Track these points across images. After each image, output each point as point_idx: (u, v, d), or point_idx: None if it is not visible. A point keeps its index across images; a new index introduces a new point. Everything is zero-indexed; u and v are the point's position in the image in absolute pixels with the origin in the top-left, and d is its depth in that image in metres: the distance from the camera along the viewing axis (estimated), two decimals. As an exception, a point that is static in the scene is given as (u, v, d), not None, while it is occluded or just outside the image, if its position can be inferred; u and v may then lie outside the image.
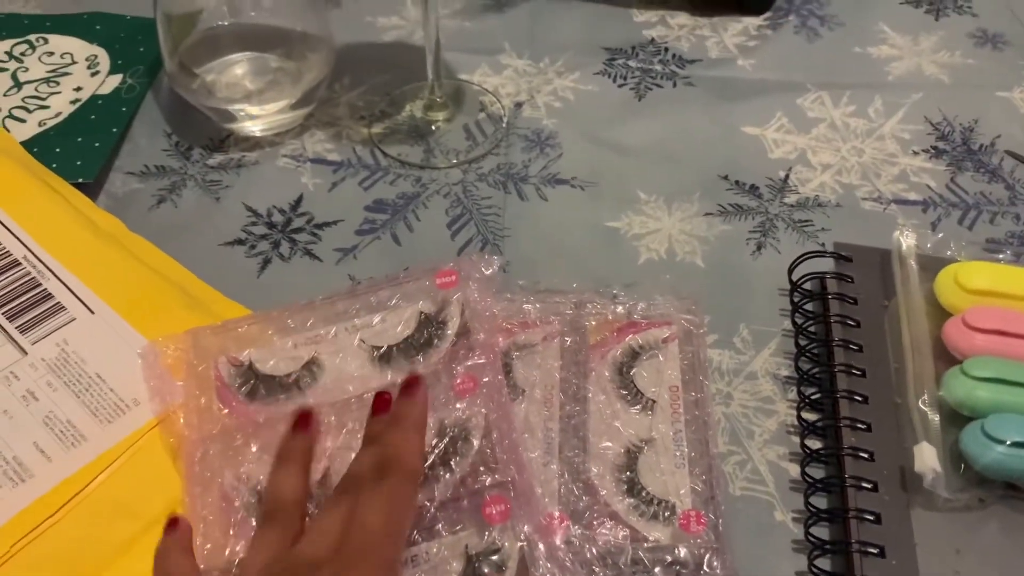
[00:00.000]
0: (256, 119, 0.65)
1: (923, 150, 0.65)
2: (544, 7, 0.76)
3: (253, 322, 0.52)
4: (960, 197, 0.61)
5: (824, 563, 0.44)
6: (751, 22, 0.75)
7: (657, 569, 0.43)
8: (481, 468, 0.45)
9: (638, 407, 0.49)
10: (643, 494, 0.46)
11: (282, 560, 0.38)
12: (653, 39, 0.73)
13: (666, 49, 0.73)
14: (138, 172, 0.64)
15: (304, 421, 0.43)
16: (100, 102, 0.67)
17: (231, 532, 0.44)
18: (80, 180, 0.61)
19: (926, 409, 0.46)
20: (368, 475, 0.40)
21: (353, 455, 0.43)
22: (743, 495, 0.48)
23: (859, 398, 0.48)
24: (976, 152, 0.64)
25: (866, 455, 0.46)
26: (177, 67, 0.64)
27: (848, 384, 0.49)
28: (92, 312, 0.53)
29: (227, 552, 0.43)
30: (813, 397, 0.50)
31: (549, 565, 0.42)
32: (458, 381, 0.48)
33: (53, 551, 0.44)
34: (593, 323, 0.52)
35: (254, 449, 0.46)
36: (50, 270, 0.55)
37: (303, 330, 0.51)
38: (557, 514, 0.45)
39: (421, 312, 0.51)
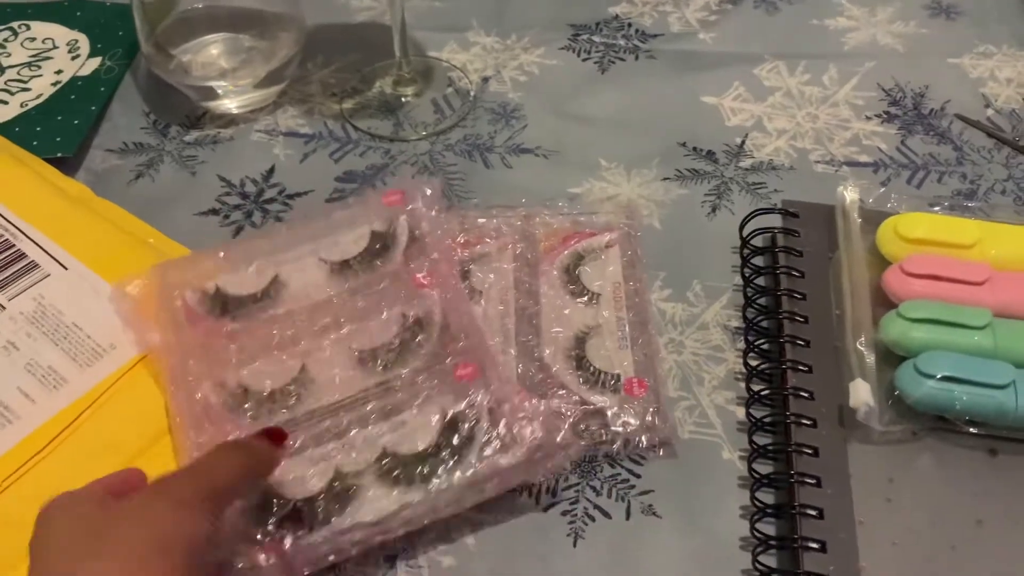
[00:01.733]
0: (231, 96, 0.67)
1: (875, 115, 0.67)
2: (512, -13, 0.79)
3: (215, 252, 0.55)
4: (909, 159, 0.64)
5: (766, 496, 0.46)
6: (712, -2, 0.77)
7: (604, 429, 0.48)
8: (447, 341, 0.50)
9: (584, 299, 0.54)
10: (591, 369, 0.51)
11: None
12: (617, 15, 0.76)
13: (629, 24, 0.75)
14: (117, 149, 0.66)
15: (273, 435, 0.44)
16: (80, 83, 0.69)
17: (221, 425, 0.48)
18: (60, 155, 0.63)
19: (863, 349, 0.48)
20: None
21: (327, 349, 0.50)
22: (691, 438, 0.50)
23: (801, 342, 0.50)
24: (926, 116, 0.67)
25: (807, 394, 0.48)
26: (153, 49, 0.66)
27: (792, 330, 0.51)
28: (65, 268, 0.56)
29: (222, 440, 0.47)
30: (760, 345, 0.52)
31: (519, 416, 0.47)
32: (416, 277, 0.53)
33: (41, 487, 0.46)
34: (541, 232, 0.58)
35: (230, 353, 0.50)
36: (23, 232, 0.57)
37: (264, 255, 0.55)
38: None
39: (372, 229, 0.56)
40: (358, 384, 0.49)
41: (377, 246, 0.55)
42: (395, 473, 0.45)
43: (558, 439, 0.46)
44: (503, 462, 0.45)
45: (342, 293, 0.53)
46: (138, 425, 0.49)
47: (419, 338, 0.51)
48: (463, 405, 0.47)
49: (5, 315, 0.53)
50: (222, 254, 0.55)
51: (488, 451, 0.46)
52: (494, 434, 0.46)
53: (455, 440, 0.46)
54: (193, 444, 0.47)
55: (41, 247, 0.57)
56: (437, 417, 0.47)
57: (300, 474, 0.45)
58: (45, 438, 0.49)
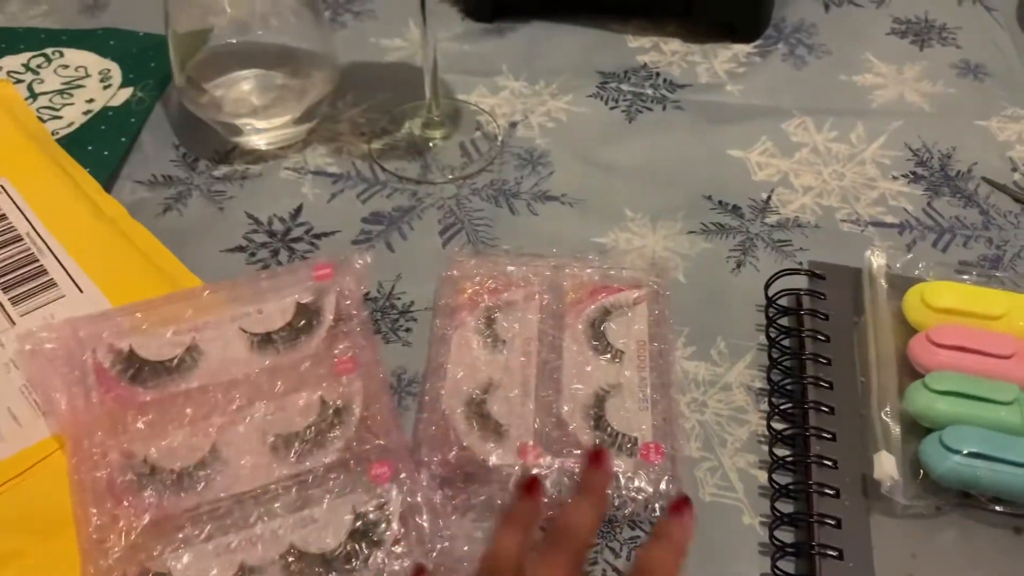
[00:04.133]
0: (261, 133, 0.68)
1: (902, 175, 0.67)
2: (542, 32, 0.79)
3: (132, 311, 0.54)
4: (936, 221, 0.64)
5: (787, 565, 0.46)
6: (741, 49, 0.77)
7: (617, 494, 0.48)
8: (365, 435, 0.50)
9: (607, 356, 0.54)
10: (608, 429, 0.51)
11: None
12: (646, 64, 0.76)
13: (657, 74, 0.75)
14: (146, 181, 0.66)
15: (531, 488, 0.41)
16: (111, 113, 0.70)
17: (124, 503, 0.47)
18: (89, 187, 0.64)
19: (888, 420, 0.48)
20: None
21: (240, 429, 0.50)
22: (713, 501, 0.50)
23: (826, 409, 0.50)
24: (953, 178, 0.67)
25: (830, 463, 0.48)
26: (186, 82, 0.67)
27: (816, 395, 0.51)
28: (81, 291, 0.56)
29: (120, 523, 0.46)
30: (783, 408, 0.52)
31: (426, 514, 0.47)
32: (338, 361, 0.53)
33: (15, 506, 0.47)
34: (569, 283, 0.58)
35: (140, 426, 0.49)
36: (49, 248, 0.58)
37: (183, 319, 0.54)
38: (531, 443, 0.50)
39: (299, 302, 0.56)
40: (269, 473, 0.48)
41: (302, 322, 0.55)
42: (301, 572, 0.45)
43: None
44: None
45: (261, 371, 0.52)
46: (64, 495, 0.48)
47: (336, 431, 0.50)
48: (374, 506, 0.47)
49: (13, 331, 0.54)
50: (139, 314, 0.54)
51: (396, 563, 0.45)
52: (401, 539, 0.46)
53: (364, 542, 0.46)
54: (92, 525, 0.46)
55: (63, 265, 0.58)
56: (349, 517, 0.47)
57: (202, 568, 0.45)
58: (23, 464, 0.49)
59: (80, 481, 0.47)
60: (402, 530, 0.46)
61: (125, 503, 0.47)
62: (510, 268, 0.58)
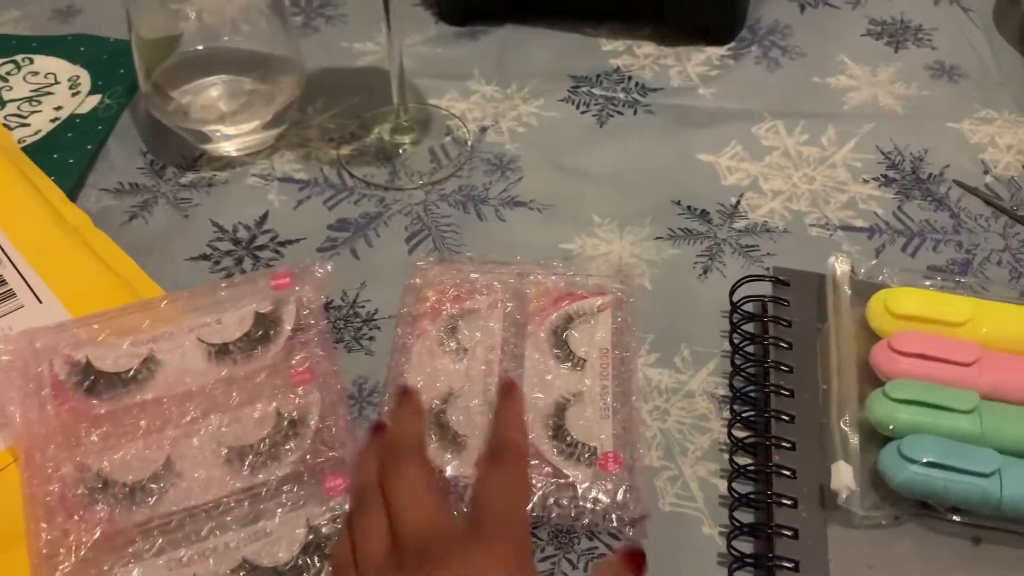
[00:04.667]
0: (229, 139, 0.67)
1: (873, 178, 0.66)
2: (515, 36, 0.79)
3: (90, 322, 0.54)
4: (906, 225, 0.63)
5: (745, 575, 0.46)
6: (714, 52, 0.77)
7: (574, 504, 0.48)
8: (320, 448, 0.49)
9: (569, 364, 0.54)
10: (567, 439, 0.50)
11: (407, 545, 0.38)
12: (618, 67, 0.76)
13: (630, 78, 0.75)
14: (112, 189, 0.66)
15: (511, 387, 0.45)
16: (78, 120, 0.69)
17: (75, 517, 0.46)
18: (54, 196, 0.64)
19: (847, 429, 0.48)
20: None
21: (195, 442, 0.49)
22: (673, 511, 0.49)
23: (786, 418, 0.50)
24: (924, 181, 0.66)
25: (789, 473, 0.47)
26: (152, 89, 0.67)
27: (777, 404, 0.50)
28: (40, 302, 0.56)
29: (71, 538, 0.45)
30: (745, 415, 0.51)
31: None
32: (295, 372, 0.52)
33: None
34: (533, 291, 0.57)
35: (94, 439, 0.49)
36: (8, 258, 0.58)
37: (141, 330, 0.54)
38: None
39: (256, 311, 0.55)
40: (223, 486, 0.48)
41: (259, 332, 0.54)
42: None
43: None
44: None
45: (217, 382, 0.52)
46: (13, 511, 0.48)
47: (291, 443, 0.49)
48: (328, 519, 0.47)
49: None
50: (97, 325, 0.54)
51: None
52: None
53: (318, 556, 0.45)
54: (43, 540, 0.45)
55: (23, 276, 0.57)
56: (302, 530, 0.46)
57: None
58: None
59: (32, 495, 0.47)
60: None
61: (76, 517, 0.46)
62: (474, 276, 0.58)
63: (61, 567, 0.45)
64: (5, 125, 0.69)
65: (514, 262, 0.59)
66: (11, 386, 0.51)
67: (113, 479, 0.48)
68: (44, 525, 0.46)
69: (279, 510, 0.47)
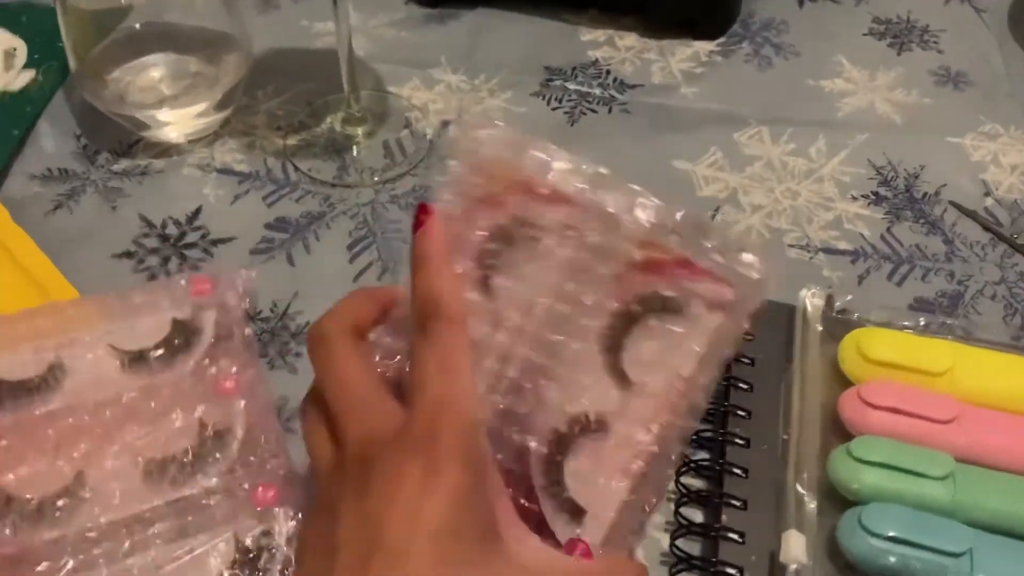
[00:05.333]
0: (170, 125, 0.62)
1: (862, 195, 0.61)
2: (489, 20, 0.73)
3: None
4: (894, 249, 0.58)
5: (679, 651, 0.41)
6: (702, 47, 0.71)
7: None
8: (251, 459, 0.45)
9: (616, 379, 0.36)
10: (563, 495, 0.35)
11: (349, 453, 0.33)
12: (597, 60, 0.70)
13: (608, 72, 0.69)
14: (40, 175, 0.61)
15: (423, 212, 0.36)
16: (7, 100, 0.64)
17: None
18: (-30, 181, 0.59)
19: (803, 491, 0.43)
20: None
21: (110, 454, 0.44)
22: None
23: (739, 472, 0.45)
24: (918, 201, 0.61)
25: (737, 536, 0.43)
26: (86, 69, 0.62)
27: (732, 455, 0.45)
28: None
29: None
30: (700, 462, 0.47)
31: None
32: (218, 382, 0.48)
33: None
34: (634, 233, 0.36)
35: None
36: None
37: (46, 335, 0.49)
38: None
39: (174, 318, 0.51)
40: (142, 501, 0.44)
41: (178, 340, 0.50)
42: None
43: None
44: None
45: (133, 391, 0.47)
46: None
47: (216, 455, 0.45)
48: (259, 532, 0.43)
49: None
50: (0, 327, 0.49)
51: None
52: (291, 565, 0.41)
53: (248, 572, 0.41)
54: None
55: None
56: (230, 545, 0.42)
57: None
58: None
59: None
60: (292, 555, 0.42)
61: None
62: (558, 165, 0.39)
63: None
64: (-69, 100, 0.64)
65: (631, 191, 0.38)
66: None
67: (18, 495, 0.44)
68: None
69: (205, 525, 0.43)
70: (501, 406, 0.35)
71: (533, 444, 0.35)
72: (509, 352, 0.36)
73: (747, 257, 0.35)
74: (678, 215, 0.37)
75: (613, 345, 0.36)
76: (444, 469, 0.30)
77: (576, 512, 0.35)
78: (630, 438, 0.35)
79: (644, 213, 0.37)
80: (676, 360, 0.35)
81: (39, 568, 0.42)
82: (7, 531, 0.43)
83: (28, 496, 0.44)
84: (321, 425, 0.35)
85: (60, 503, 0.43)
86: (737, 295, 0.35)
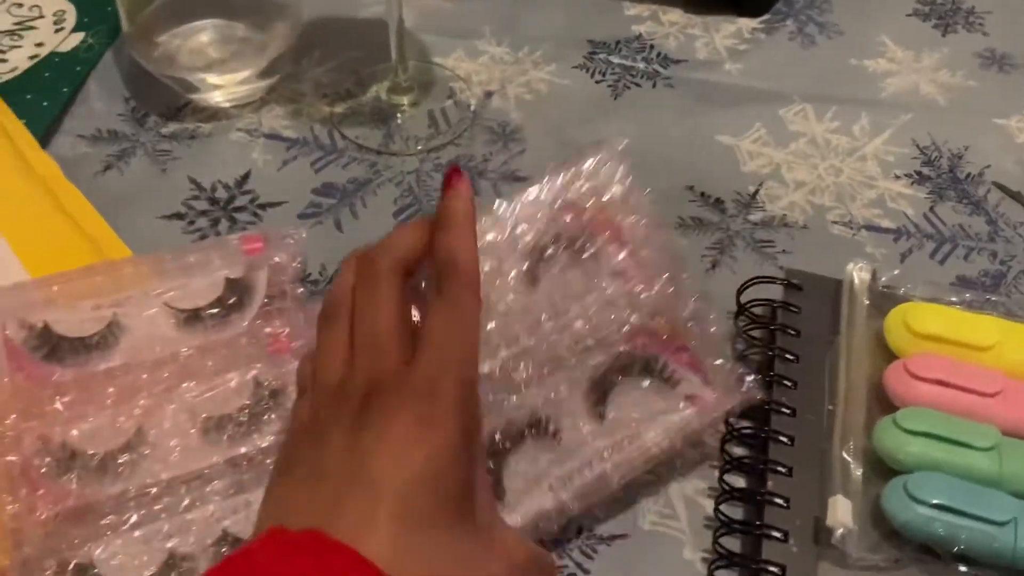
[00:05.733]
0: (217, 89, 0.63)
1: (905, 175, 0.61)
2: (533, -8, 0.73)
3: (48, 284, 0.50)
4: (937, 228, 0.58)
5: (724, 611, 0.42)
6: (746, 24, 0.71)
7: None
8: None
9: (590, 405, 0.45)
10: (498, 484, 0.43)
11: (356, 382, 0.34)
12: (640, 34, 0.70)
13: (652, 46, 0.69)
14: (89, 135, 0.62)
15: (455, 175, 0.38)
16: (57, 60, 0.65)
17: (42, 490, 0.43)
18: (24, 139, 0.60)
19: (849, 459, 0.43)
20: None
21: (169, 411, 0.45)
22: (653, 530, 0.45)
23: (785, 440, 0.45)
24: (961, 181, 0.61)
25: (783, 501, 0.43)
26: (137, 31, 0.62)
27: (777, 423, 0.46)
28: None
29: (38, 512, 0.42)
30: (744, 431, 0.47)
31: None
32: (271, 341, 0.49)
33: None
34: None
35: (58, 407, 0.45)
36: None
37: (104, 293, 0.50)
38: None
39: (228, 277, 0.51)
40: (201, 458, 0.44)
41: (232, 299, 0.50)
42: None
43: None
44: None
45: (189, 349, 0.48)
46: None
47: (272, 414, 0.46)
48: None
49: None
50: (56, 287, 0.49)
51: None
52: None
53: None
54: (7, 514, 0.42)
55: None
56: None
57: (129, 557, 0.41)
58: None
59: None
60: None
61: (42, 490, 0.43)
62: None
63: (28, 542, 0.41)
64: (-21, 61, 0.65)
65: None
66: None
67: (81, 450, 0.44)
68: (8, 498, 0.42)
69: (262, 481, 0.43)
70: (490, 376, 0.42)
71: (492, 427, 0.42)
72: (517, 339, 0.44)
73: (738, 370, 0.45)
74: (692, 301, 0.46)
75: (601, 380, 0.45)
76: (438, 422, 0.32)
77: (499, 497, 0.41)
78: (578, 454, 0.43)
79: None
80: (646, 426, 0.44)
81: (103, 521, 0.42)
82: (72, 485, 0.43)
83: (91, 451, 0.44)
84: (339, 343, 0.36)
85: (122, 458, 0.44)
86: (715, 400, 0.45)
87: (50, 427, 0.45)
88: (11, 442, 0.44)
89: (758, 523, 0.43)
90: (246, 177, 0.60)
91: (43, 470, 0.43)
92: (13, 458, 0.44)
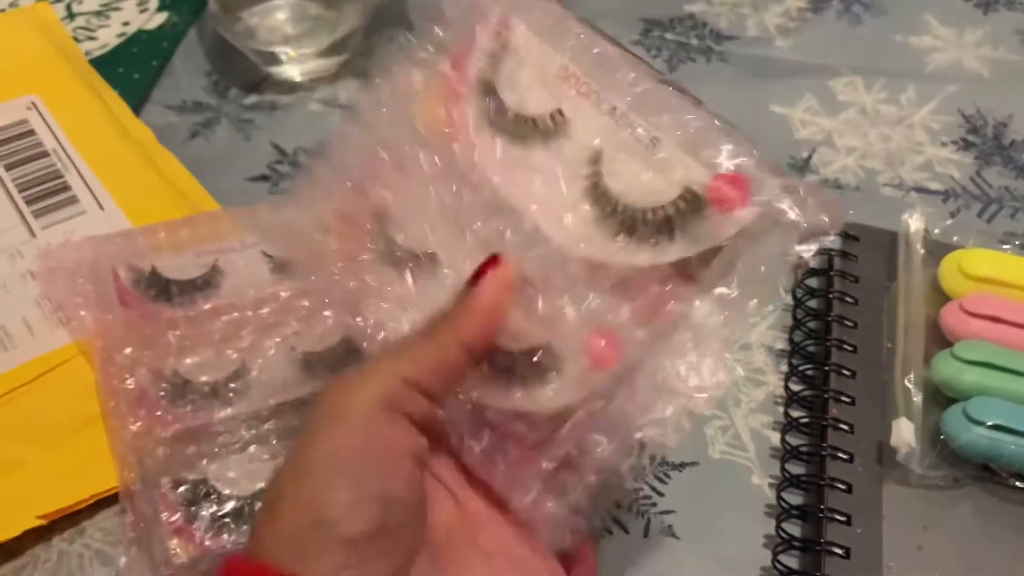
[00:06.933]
0: (293, 63, 0.67)
1: (952, 141, 0.64)
2: (588, -24, 0.77)
3: (154, 231, 0.53)
4: (983, 190, 0.61)
5: (792, 528, 0.44)
6: (793, 3, 0.74)
7: None
8: None
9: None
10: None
11: None
12: (693, 14, 0.74)
13: (704, 24, 0.73)
14: (175, 106, 0.66)
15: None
16: (144, 37, 0.69)
17: (158, 412, 0.46)
18: (118, 108, 0.64)
19: (911, 386, 0.46)
20: None
21: (270, 346, 0.47)
22: (722, 459, 0.48)
23: (847, 373, 0.48)
24: (1006, 148, 0.63)
25: (846, 427, 0.46)
26: (220, 8, 0.66)
27: (839, 358, 0.49)
28: (102, 209, 0.56)
29: (155, 432, 0.45)
30: (803, 370, 0.50)
31: None
32: None
33: (20, 415, 0.48)
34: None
35: (171, 341, 0.48)
36: (74, 165, 0.58)
37: (205, 241, 0.53)
38: None
39: None
40: (302, 388, 0.47)
41: None
42: None
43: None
44: None
45: (287, 291, 0.51)
46: (70, 407, 0.48)
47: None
48: None
49: (34, 243, 0.54)
50: (161, 234, 0.53)
51: None
52: None
53: None
54: (129, 433, 0.45)
55: (87, 183, 0.57)
56: None
57: (241, 472, 0.44)
58: (36, 371, 0.49)
59: (112, 389, 0.47)
60: None
61: (159, 412, 0.46)
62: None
63: (146, 461, 0.45)
64: (73, 38, 0.69)
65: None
66: (77, 291, 0.51)
67: (193, 378, 0.48)
68: (130, 419, 0.46)
69: None
70: None
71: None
72: None
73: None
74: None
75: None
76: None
77: None
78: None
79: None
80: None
81: (217, 440, 0.46)
82: (187, 408, 0.47)
83: (203, 378, 0.48)
84: None
85: (231, 386, 0.48)
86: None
87: (163, 359, 0.48)
88: (128, 370, 0.48)
89: (824, 446, 0.45)
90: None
91: (160, 395, 0.47)
92: (131, 384, 0.47)
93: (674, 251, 0.34)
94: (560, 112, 0.38)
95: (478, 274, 0.33)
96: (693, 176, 0.35)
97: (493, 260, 0.34)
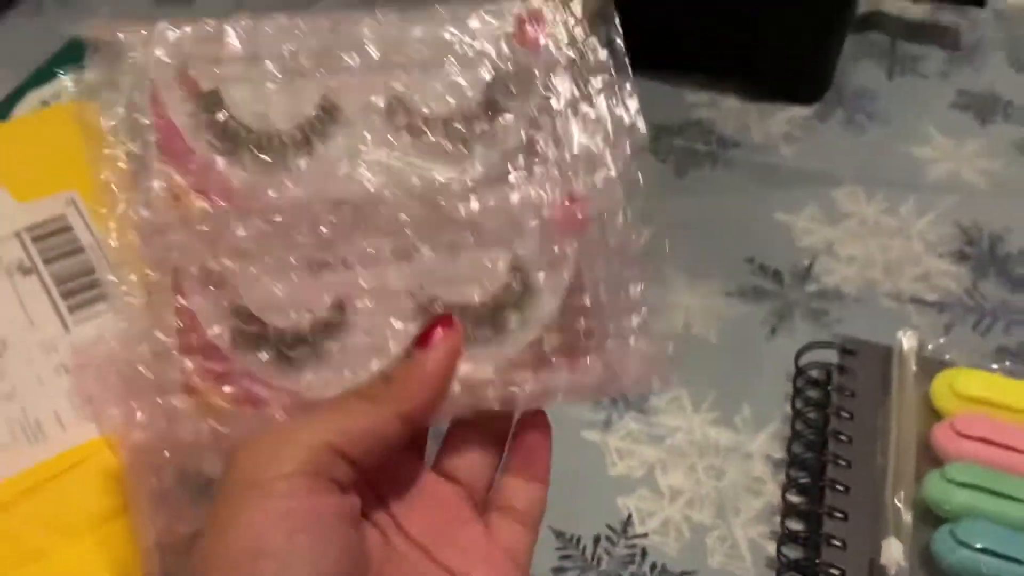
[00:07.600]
0: None
1: (948, 253, 0.66)
2: (602, 80, 0.80)
3: (222, 30, 0.33)
4: (977, 303, 0.63)
5: (787, 643, 0.46)
6: (799, 111, 0.77)
7: None
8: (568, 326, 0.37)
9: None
10: None
11: None
12: (701, 120, 0.77)
13: (711, 131, 0.76)
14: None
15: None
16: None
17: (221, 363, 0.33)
18: None
19: (900, 506, 0.48)
20: None
21: (375, 272, 0.34)
22: (721, 569, 0.50)
23: (841, 488, 0.50)
24: (1001, 260, 0.66)
25: (839, 543, 0.48)
26: None
27: (834, 473, 0.51)
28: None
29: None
30: (802, 482, 0.52)
31: None
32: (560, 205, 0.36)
33: (49, 505, 0.49)
34: None
35: (240, 233, 0.32)
36: (108, 262, 0.60)
37: (309, 55, 0.33)
38: None
39: (493, 76, 0.36)
40: None
41: (496, 102, 0.36)
42: None
43: None
44: None
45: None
46: (96, 499, 0.49)
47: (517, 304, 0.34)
48: None
49: (67, 339, 0.56)
50: (235, 34, 0.32)
51: None
52: None
53: None
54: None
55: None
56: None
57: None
58: (63, 465, 0.51)
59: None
60: None
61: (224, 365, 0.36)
62: None
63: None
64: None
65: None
66: (108, 387, 0.51)
67: (274, 325, 0.35)
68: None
69: None
70: None
71: None
72: None
73: None
74: None
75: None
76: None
77: None
78: None
79: None
80: None
81: None
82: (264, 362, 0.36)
83: (283, 326, 0.35)
84: None
85: (319, 338, 0.34)
86: None
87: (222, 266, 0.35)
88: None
89: (817, 562, 0.47)
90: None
91: (229, 344, 0.36)
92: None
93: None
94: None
95: (425, 336, 0.31)
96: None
97: (444, 320, 0.31)
